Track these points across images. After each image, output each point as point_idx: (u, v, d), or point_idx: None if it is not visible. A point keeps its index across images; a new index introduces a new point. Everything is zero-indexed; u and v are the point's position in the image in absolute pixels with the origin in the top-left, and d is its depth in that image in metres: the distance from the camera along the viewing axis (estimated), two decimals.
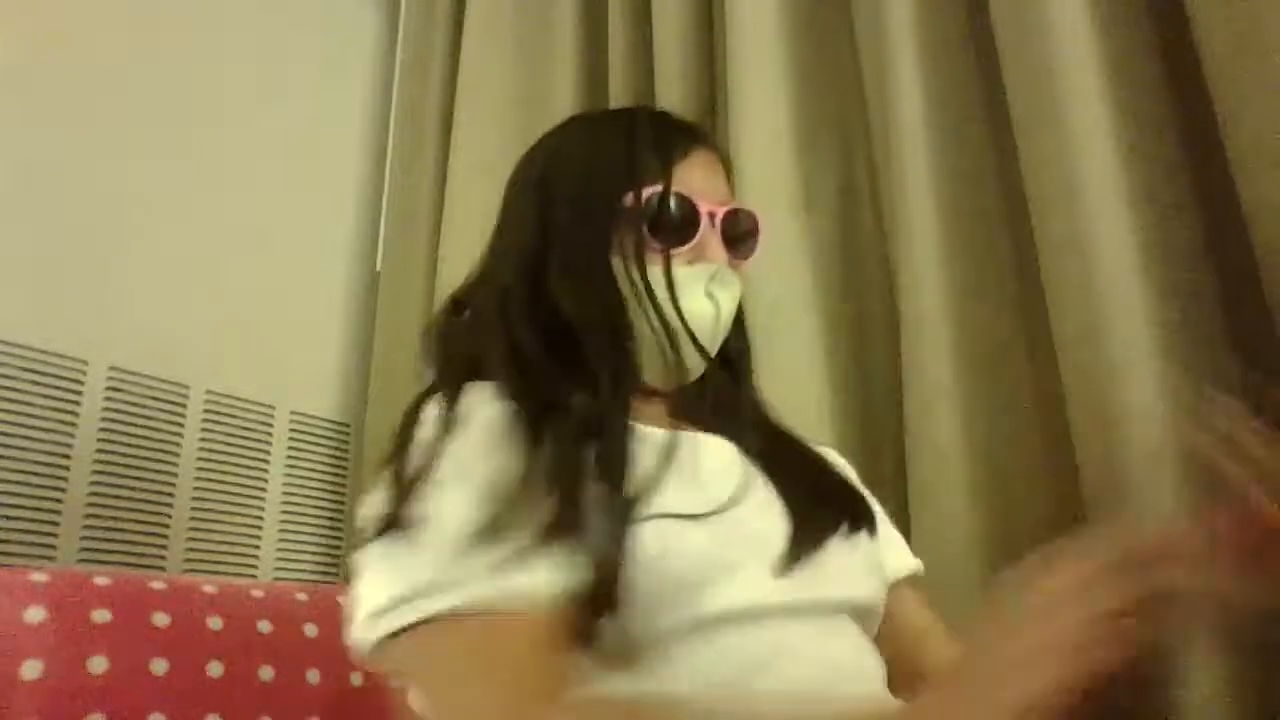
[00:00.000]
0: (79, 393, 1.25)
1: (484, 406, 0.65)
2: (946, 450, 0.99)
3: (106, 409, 1.27)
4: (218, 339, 1.42)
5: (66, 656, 0.73)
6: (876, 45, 1.13)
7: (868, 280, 1.17)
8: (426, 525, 0.59)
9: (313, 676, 0.85)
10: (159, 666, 0.77)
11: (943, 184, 1.06)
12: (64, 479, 1.21)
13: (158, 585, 0.82)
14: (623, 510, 0.61)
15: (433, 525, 0.59)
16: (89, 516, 1.22)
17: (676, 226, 0.72)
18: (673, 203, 0.72)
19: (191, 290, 1.41)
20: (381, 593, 0.58)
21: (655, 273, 0.72)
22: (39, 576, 0.76)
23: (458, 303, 0.81)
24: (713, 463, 0.71)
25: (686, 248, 0.73)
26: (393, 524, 0.60)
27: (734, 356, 0.82)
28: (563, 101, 1.53)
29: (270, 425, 1.46)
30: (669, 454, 0.66)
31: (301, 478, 1.49)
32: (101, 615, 0.76)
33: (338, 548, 1.52)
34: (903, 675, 0.72)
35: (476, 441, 0.63)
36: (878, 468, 1.09)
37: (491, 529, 0.58)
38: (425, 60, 1.70)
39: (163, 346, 1.35)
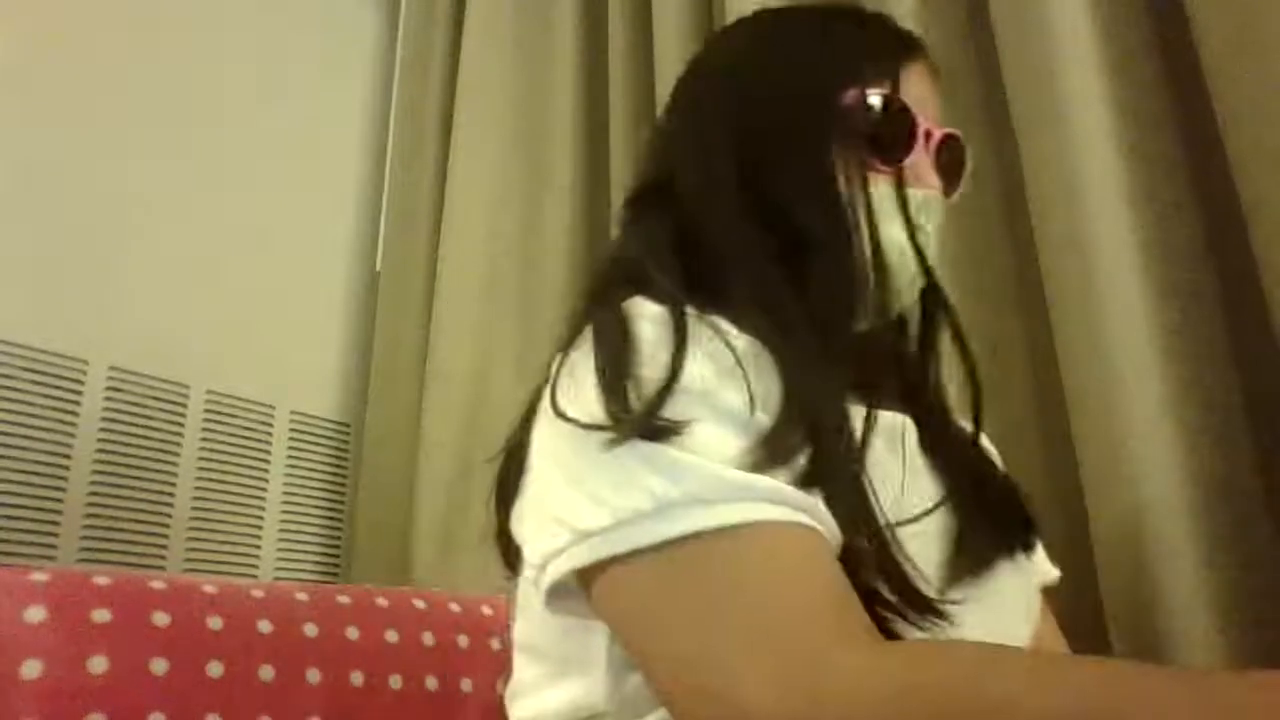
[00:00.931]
0: (79, 393, 1.25)
1: (717, 331, 0.55)
2: None
3: (106, 409, 1.27)
4: (218, 339, 1.42)
5: (66, 656, 0.73)
6: None
7: None
8: (673, 440, 0.49)
9: (313, 676, 0.85)
10: (159, 666, 0.76)
11: None
12: (64, 479, 1.21)
13: (158, 585, 0.82)
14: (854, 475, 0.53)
15: (684, 441, 0.49)
16: (89, 516, 1.22)
17: (894, 139, 0.63)
18: (896, 111, 0.62)
19: (191, 290, 1.40)
20: (610, 505, 0.48)
21: (882, 190, 0.62)
22: (39, 576, 0.76)
23: (637, 203, 0.69)
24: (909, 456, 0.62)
25: (898, 166, 0.63)
26: (622, 431, 0.49)
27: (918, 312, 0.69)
28: (563, 101, 1.53)
29: (270, 425, 1.46)
30: (891, 440, 0.59)
31: (301, 478, 1.49)
32: (101, 615, 0.76)
33: (337, 548, 1.53)
34: None
35: (719, 367, 0.53)
36: None
37: (751, 460, 0.50)
38: (425, 60, 1.70)
39: (163, 346, 1.35)
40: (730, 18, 1.23)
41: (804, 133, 0.63)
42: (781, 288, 0.59)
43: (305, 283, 1.58)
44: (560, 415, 0.53)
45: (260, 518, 1.42)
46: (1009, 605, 0.63)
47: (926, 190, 0.64)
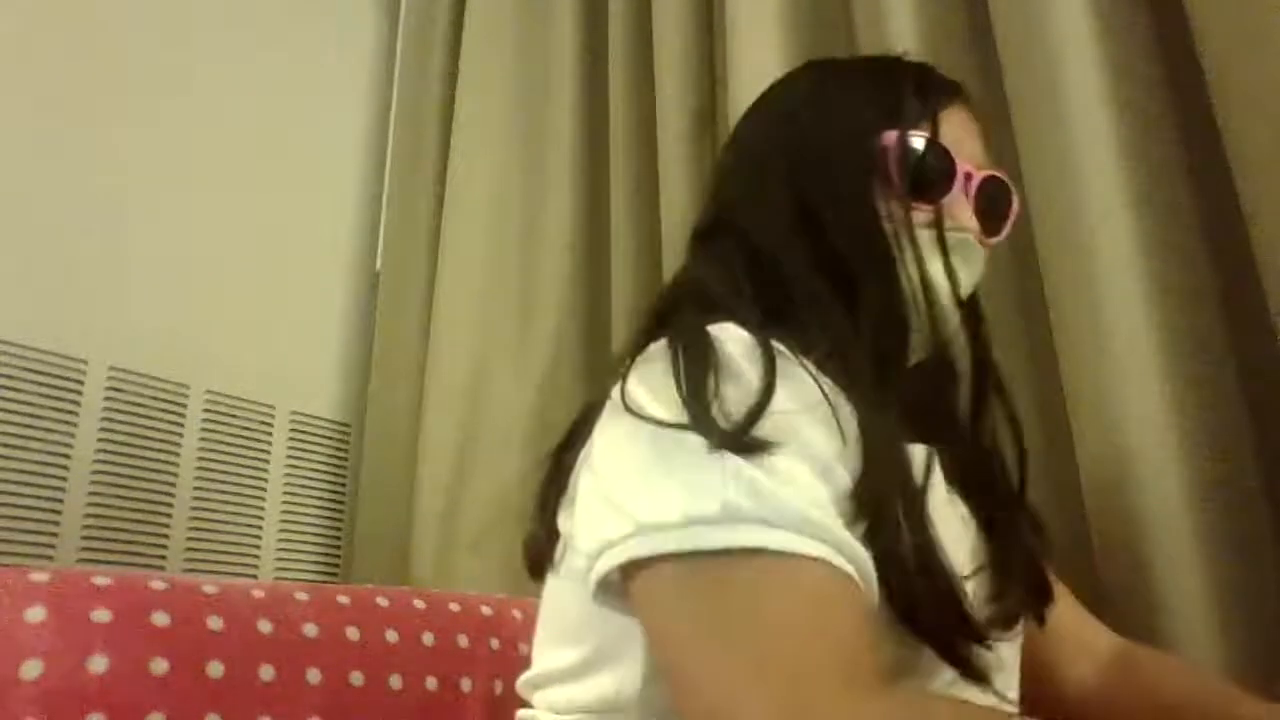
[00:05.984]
0: (79, 393, 1.25)
1: (802, 368, 0.56)
2: None
3: (106, 409, 1.27)
4: (218, 339, 1.42)
5: (66, 656, 0.73)
6: (877, 45, 1.13)
7: None
8: (757, 459, 0.50)
9: (313, 676, 0.85)
10: (159, 666, 0.76)
11: None
12: (64, 479, 1.21)
13: (158, 585, 0.82)
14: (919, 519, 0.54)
15: (767, 463, 0.50)
16: (89, 516, 1.22)
17: (930, 180, 0.65)
18: (933, 152, 0.65)
19: (191, 290, 1.41)
20: (681, 505, 0.49)
21: (922, 231, 0.64)
22: (39, 576, 0.76)
23: (705, 233, 0.71)
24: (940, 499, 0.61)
25: (942, 206, 0.65)
26: (713, 440, 0.50)
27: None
28: (563, 101, 1.53)
29: (270, 425, 1.46)
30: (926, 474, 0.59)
31: (301, 478, 1.49)
32: (101, 615, 0.76)
33: (338, 548, 1.53)
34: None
35: (805, 403, 0.54)
36: None
37: (819, 497, 0.51)
38: (425, 60, 1.70)
39: (163, 346, 1.35)
40: (730, 18, 1.23)
41: (849, 173, 0.66)
42: (845, 326, 0.61)
43: (305, 283, 1.58)
44: (641, 415, 0.54)
45: (260, 518, 1.42)
46: (1009, 666, 0.63)
47: (960, 234, 0.66)
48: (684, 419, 0.52)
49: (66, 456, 1.22)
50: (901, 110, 0.66)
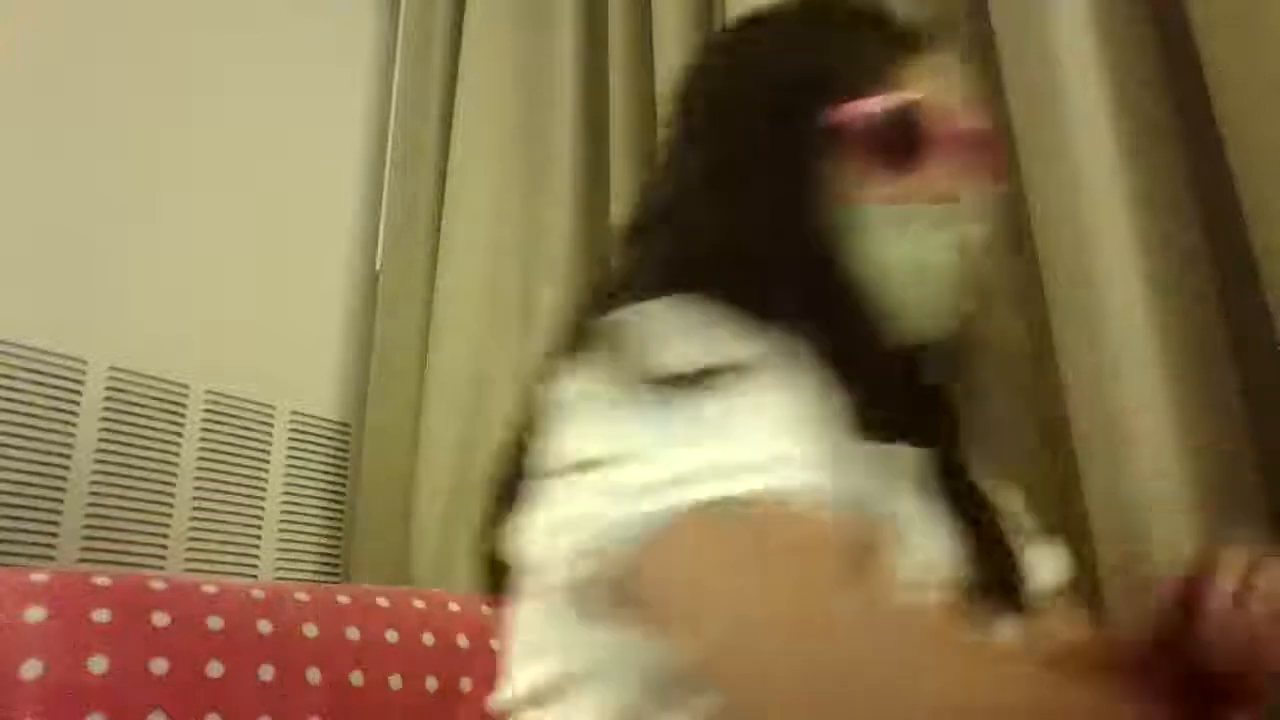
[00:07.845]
0: (79, 393, 1.25)
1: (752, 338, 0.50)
2: None
3: (106, 409, 1.27)
4: (218, 339, 1.42)
5: (66, 656, 0.73)
6: None
7: None
8: (738, 405, 0.46)
9: (313, 676, 0.85)
10: (159, 666, 0.76)
11: None
12: (64, 479, 1.21)
13: (158, 585, 0.82)
14: None
15: (749, 408, 0.46)
16: (89, 516, 1.22)
17: (902, 146, 0.56)
18: (898, 113, 0.56)
19: (191, 290, 1.41)
20: (676, 463, 0.45)
21: (877, 209, 0.56)
22: (39, 576, 0.76)
23: (637, 226, 0.63)
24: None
25: (916, 175, 0.57)
26: (697, 386, 0.46)
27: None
28: (563, 100, 1.53)
29: (270, 425, 1.46)
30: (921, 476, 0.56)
31: (301, 478, 1.49)
32: (101, 615, 0.76)
33: (337, 548, 1.52)
34: None
35: (773, 370, 0.48)
36: None
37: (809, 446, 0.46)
38: (425, 60, 1.70)
39: (163, 346, 1.35)
40: (730, 17, 1.23)
41: (790, 156, 0.57)
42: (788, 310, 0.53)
43: (305, 283, 1.58)
44: (650, 380, 0.48)
45: (260, 518, 1.42)
46: None
47: (949, 197, 0.58)
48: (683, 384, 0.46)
49: (66, 456, 1.22)
50: (850, 77, 0.57)
